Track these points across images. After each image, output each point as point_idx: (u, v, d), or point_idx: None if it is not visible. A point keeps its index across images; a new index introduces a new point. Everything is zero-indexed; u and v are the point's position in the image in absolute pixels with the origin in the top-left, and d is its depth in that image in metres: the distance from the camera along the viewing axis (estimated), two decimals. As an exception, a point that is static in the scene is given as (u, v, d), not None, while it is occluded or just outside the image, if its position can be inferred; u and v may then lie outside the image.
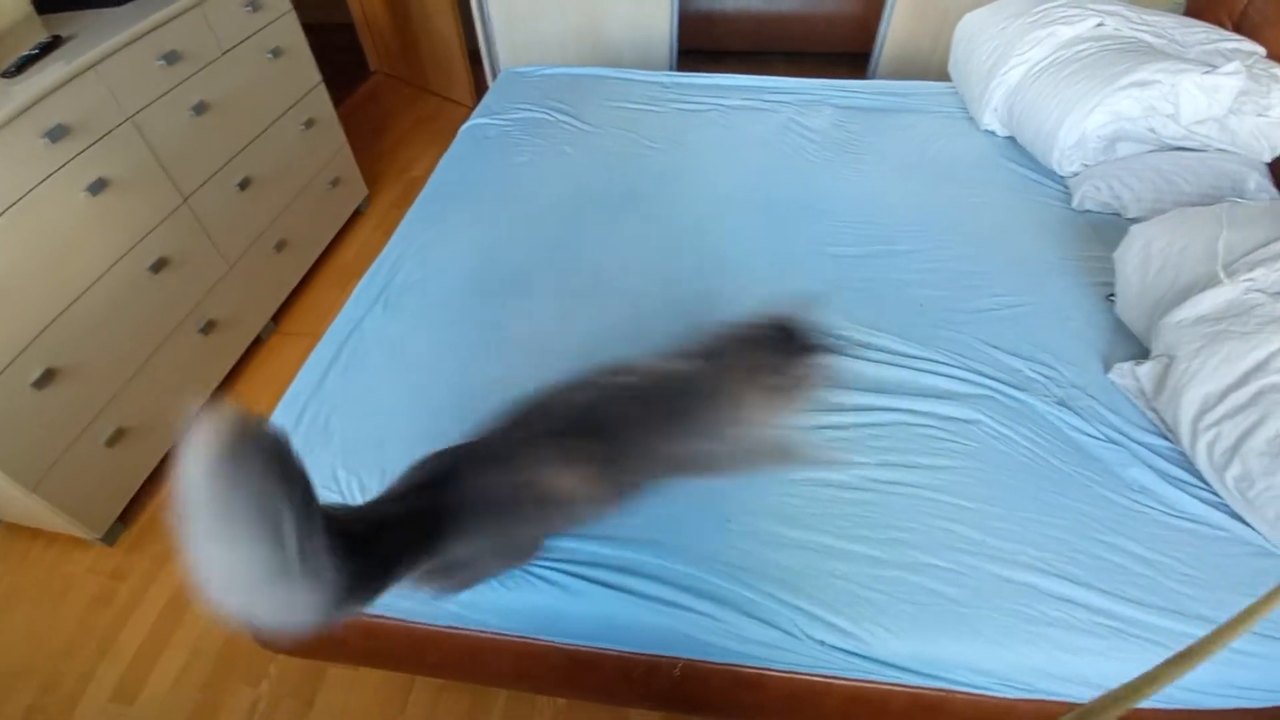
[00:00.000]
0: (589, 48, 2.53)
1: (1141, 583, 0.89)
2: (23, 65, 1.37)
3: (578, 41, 2.53)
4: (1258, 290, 0.98)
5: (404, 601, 0.97)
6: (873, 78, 2.49)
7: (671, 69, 2.54)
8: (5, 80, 1.34)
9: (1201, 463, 0.96)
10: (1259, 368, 0.91)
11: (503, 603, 0.92)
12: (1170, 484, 0.98)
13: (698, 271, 1.34)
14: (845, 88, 1.92)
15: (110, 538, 1.54)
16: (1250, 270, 0.99)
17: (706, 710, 1.09)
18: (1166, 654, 0.84)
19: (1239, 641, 0.83)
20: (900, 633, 0.86)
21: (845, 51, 3.04)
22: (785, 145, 1.69)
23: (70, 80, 1.37)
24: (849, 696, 0.96)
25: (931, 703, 0.94)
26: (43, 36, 1.46)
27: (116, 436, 1.50)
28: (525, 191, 1.58)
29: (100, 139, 1.45)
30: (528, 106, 1.87)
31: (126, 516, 1.58)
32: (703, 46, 3.13)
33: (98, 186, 1.44)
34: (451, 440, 0.99)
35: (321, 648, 1.13)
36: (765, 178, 1.59)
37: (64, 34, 1.48)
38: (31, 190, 1.31)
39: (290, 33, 2.00)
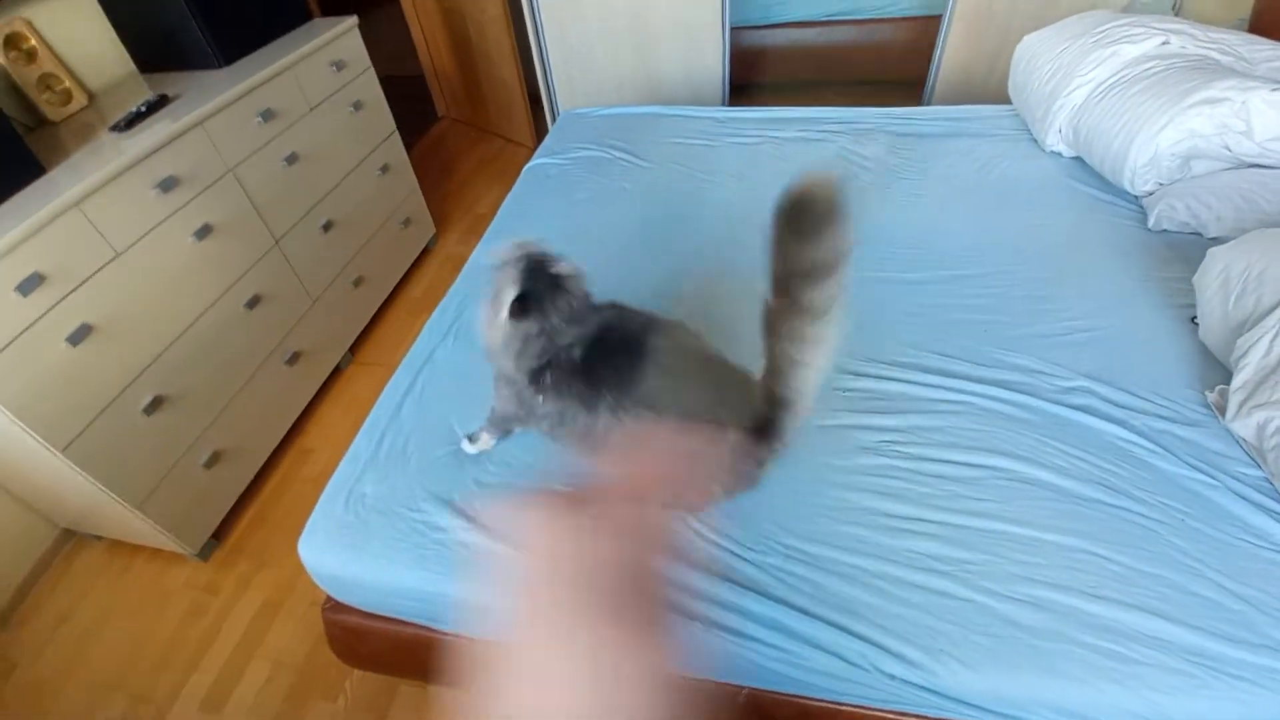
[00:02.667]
0: (644, 87, 2.63)
1: (1234, 618, 0.84)
2: (132, 121, 1.53)
3: (633, 82, 2.63)
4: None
5: (477, 618, 1.01)
6: (927, 104, 2.48)
7: (724, 104, 2.60)
8: (115, 134, 1.51)
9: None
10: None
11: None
12: (1264, 514, 0.92)
13: (757, 299, 1.36)
14: (901, 114, 1.92)
15: (205, 554, 1.65)
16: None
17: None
18: (1260, 692, 0.79)
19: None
20: (975, 666, 0.84)
21: (898, 79, 3.04)
22: (841, 175, 1.70)
23: (179, 136, 1.53)
24: (921, 733, 0.93)
25: (1010, 743, 0.90)
26: (149, 95, 1.64)
27: (214, 459, 1.63)
28: (587, 227, 1.64)
29: (206, 189, 1.60)
30: (587, 146, 1.95)
31: (220, 534, 1.70)
32: (755, 80, 3.19)
33: (203, 232, 1.59)
34: (526, 468, 1.04)
35: (395, 663, 1.18)
36: (821, 206, 1.60)
37: (169, 93, 1.66)
38: (145, 235, 1.46)
39: (369, 87, 2.17)
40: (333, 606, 1.13)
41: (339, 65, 2.01)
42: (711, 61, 2.52)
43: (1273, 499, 0.94)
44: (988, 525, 0.95)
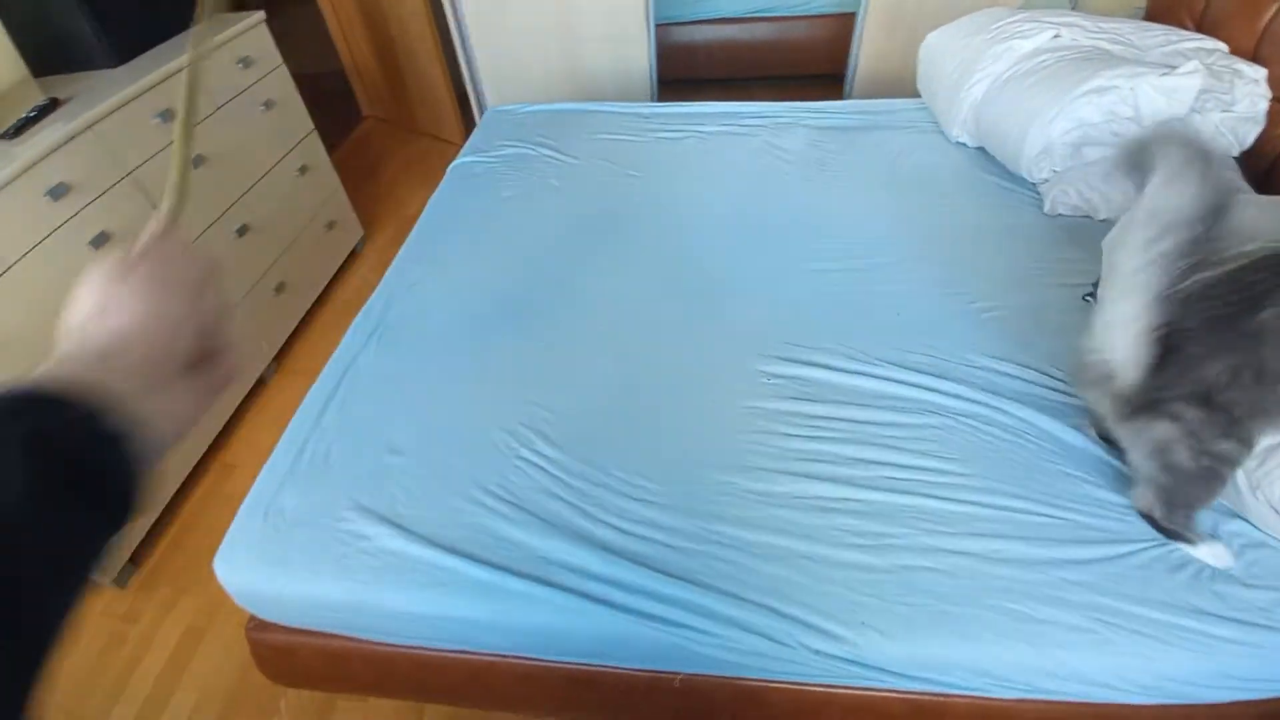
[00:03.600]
0: (572, 83, 2.62)
1: (1135, 576, 0.90)
2: (21, 127, 1.43)
3: (561, 78, 2.61)
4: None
5: (408, 626, 0.99)
6: (848, 98, 2.56)
7: (653, 100, 2.62)
8: (5, 142, 1.40)
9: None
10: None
11: (502, 622, 0.94)
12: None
13: (684, 292, 1.38)
14: (819, 109, 1.98)
15: (122, 580, 1.56)
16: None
17: (712, 726, 1.10)
18: (1165, 648, 0.85)
19: (1235, 632, 0.84)
20: (894, 636, 0.87)
21: (821, 74, 3.13)
22: (762, 167, 1.75)
23: (70, 140, 1.43)
24: (850, 706, 0.97)
25: (932, 708, 0.94)
26: (39, 99, 1.53)
27: (123, 482, 1.53)
28: (513, 225, 1.63)
29: (101, 195, 1.50)
30: (513, 143, 1.93)
31: (136, 558, 1.61)
32: (683, 76, 3.22)
33: (100, 240, 1.49)
34: (455, 471, 1.02)
35: (329, 678, 1.14)
36: (744, 200, 1.63)
37: (61, 96, 1.55)
38: (36, 246, 1.36)
39: (282, 85, 2.08)
40: (257, 625, 1.09)
41: (245, 62, 1.92)
42: (638, 57, 2.53)
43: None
44: (906, 501, 0.99)
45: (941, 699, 0.93)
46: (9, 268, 1.30)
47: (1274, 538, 0.91)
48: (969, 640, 0.87)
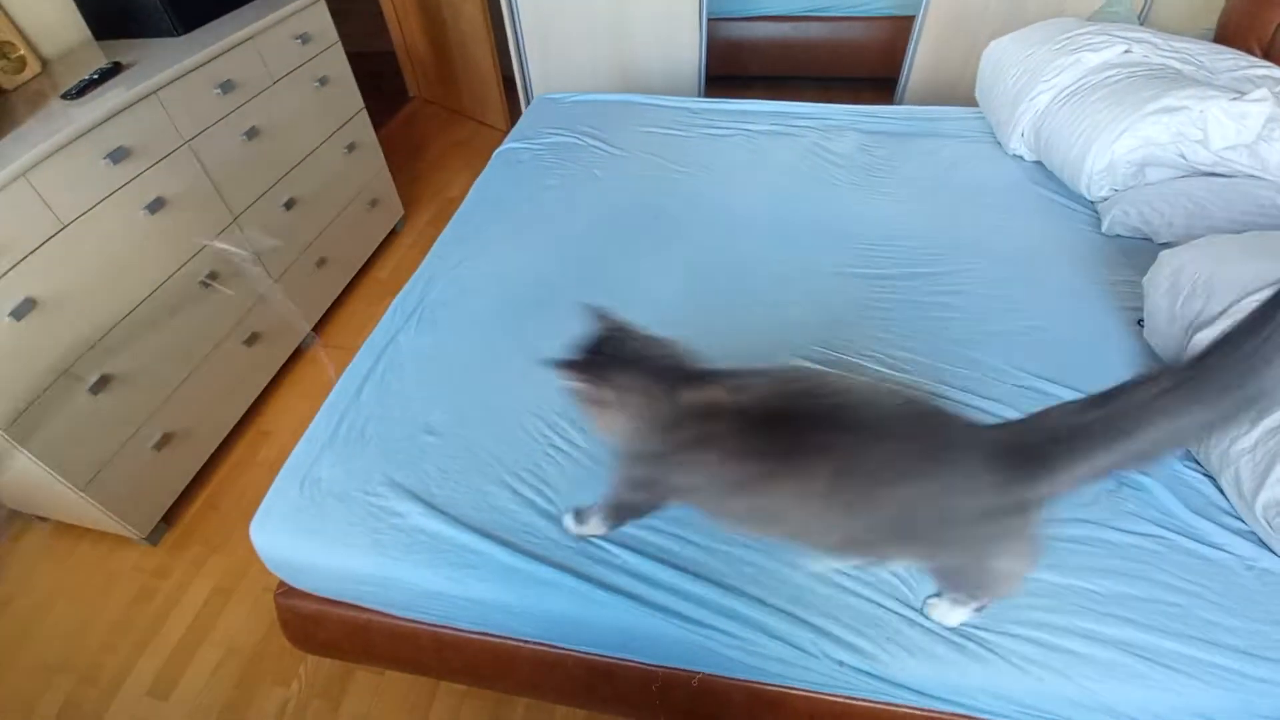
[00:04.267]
0: (619, 74, 2.61)
1: (1171, 613, 0.87)
2: (84, 89, 1.47)
3: (609, 68, 2.60)
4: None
5: (434, 604, 1.00)
6: (899, 103, 2.51)
7: (700, 95, 2.60)
8: (66, 102, 1.44)
9: (1229, 490, 0.94)
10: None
11: (526, 607, 0.95)
12: (1198, 514, 0.96)
13: (724, 292, 1.37)
14: (870, 113, 1.95)
15: (154, 538, 1.61)
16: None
17: (726, 728, 1.10)
18: (1198, 685, 0.83)
19: (1262, 670, 0.82)
20: (920, 655, 0.86)
21: (872, 77, 3.07)
22: (809, 169, 1.72)
23: (132, 105, 1.46)
24: (868, 718, 0.95)
25: (953, 728, 0.93)
26: (102, 62, 1.57)
27: (164, 441, 1.58)
28: (556, 213, 1.63)
29: (159, 161, 1.54)
30: (559, 131, 1.93)
31: (170, 518, 1.65)
32: (731, 73, 3.19)
33: (156, 205, 1.53)
34: (489, 455, 1.03)
35: (350, 649, 1.16)
36: (789, 201, 1.61)
37: (124, 61, 1.59)
38: (94, 207, 1.40)
39: (336, 62, 2.11)
40: (286, 591, 1.11)
41: (304, 39, 1.95)
42: (688, 52, 2.51)
43: (1211, 497, 0.98)
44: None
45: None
46: (64, 226, 1.34)
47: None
48: (995, 665, 0.85)
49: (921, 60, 2.41)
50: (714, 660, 0.93)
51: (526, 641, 1.02)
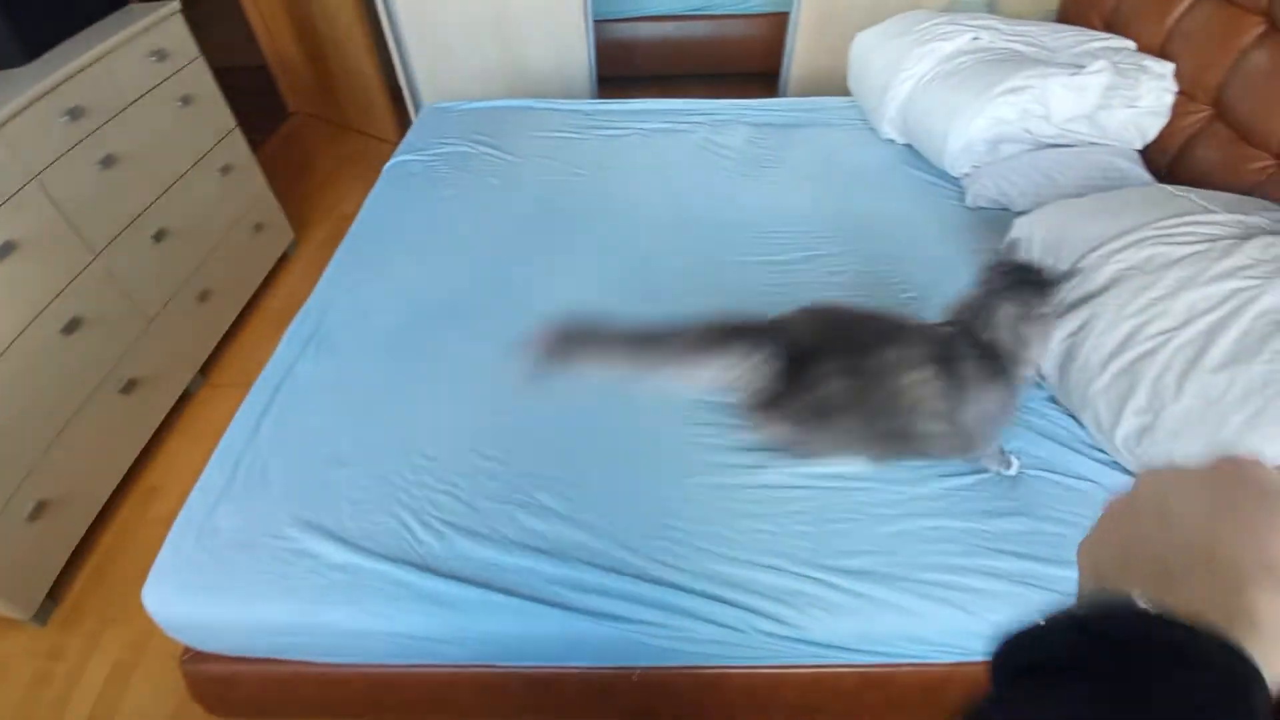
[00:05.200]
0: (511, 79, 2.58)
1: (1055, 542, 0.97)
2: (-87, 131, 1.30)
3: (500, 74, 2.57)
4: (1127, 267, 1.09)
5: (361, 644, 0.96)
6: (782, 95, 2.62)
7: (593, 96, 2.61)
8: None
9: (1091, 426, 1.06)
10: (1132, 336, 1.01)
11: (457, 632, 0.93)
12: (1069, 449, 1.07)
13: (630, 289, 1.39)
14: (756, 106, 2.02)
15: (41, 617, 1.45)
16: (1120, 252, 1.10)
17: (674, 715, 1.12)
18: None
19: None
20: (839, 614, 0.91)
21: (757, 72, 3.19)
22: (703, 164, 1.77)
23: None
24: (804, 683, 1.00)
25: (880, 678, 0.99)
26: (-67, 99, 1.40)
27: (38, 510, 1.42)
28: (453, 225, 1.59)
29: (4, 201, 1.39)
30: (452, 141, 1.89)
31: (56, 593, 1.49)
32: (622, 73, 3.22)
33: (4, 250, 1.38)
34: (403, 481, 1.00)
35: (274, 706, 1.10)
36: (686, 196, 1.66)
37: (-43, 96, 1.42)
38: (-74, 260, 1.24)
39: (199, 79, 1.96)
40: (192, 656, 1.03)
41: (160, 55, 1.80)
42: (577, 54, 2.51)
43: (1074, 434, 1.10)
44: (844, 484, 1.04)
45: (889, 668, 0.98)
46: None
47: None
48: (908, 612, 0.91)
49: (799, 54, 2.53)
50: (650, 652, 0.94)
51: (463, 666, 1.00)
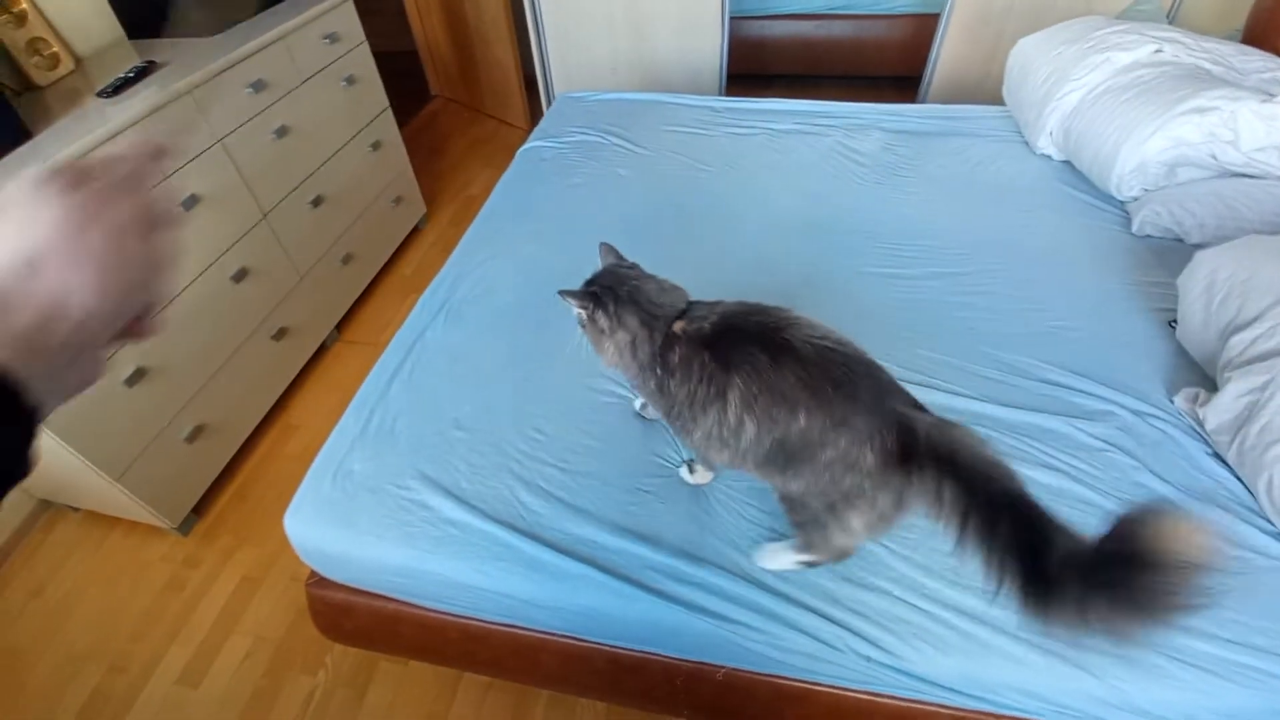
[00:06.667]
0: (641, 73, 2.61)
1: (1206, 615, 0.87)
2: (119, 87, 1.50)
3: (630, 67, 2.61)
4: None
5: (462, 596, 1.02)
6: (923, 102, 2.50)
7: (721, 93, 2.60)
8: (102, 100, 1.47)
9: (1262, 494, 0.93)
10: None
11: (554, 600, 0.96)
12: (1231, 515, 0.95)
13: (747, 290, 1.37)
14: (894, 111, 1.94)
15: (185, 528, 1.64)
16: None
17: (748, 723, 1.10)
18: (1227, 685, 0.82)
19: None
20: (946, 651, 0.86)
21: (896, 75, 3.05)
22: (834, 169, 1.72)
23: (166, 104, 1.49)
24: (893, 714, 0.96)
25: (978, 726, 0.93)
26: (136, 61, 1.60)
27: (195, 433, 1.61)
28: (581, 212, 1.64)
29: (193, 159, 1.57)
30: (583, 130, 1.95)
31: (200, 509, 1.69)
32: (752, 71, 3.19)
33: (190, 202, 1.56)
34: (516, 451, 1.04)
35: (378, 639, 1.18)
36: (814, 200, 1.61)
37: (157, 60, 1.63)
38: (133, 205, 1.43)
39: (363, 62, 2.14)
40: (317, 581, 1.13)
41: (332, 38, 1.98)
42: (710, 50, 2.51)
43: (1238, 498, 0.97)
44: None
45: (989, 718, 0.91)
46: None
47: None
48: (1020, 663, 0.85)
49: (946, 58, 2.40)
50: (739, 654, 0.93)
51: (552, 634, 1.04)
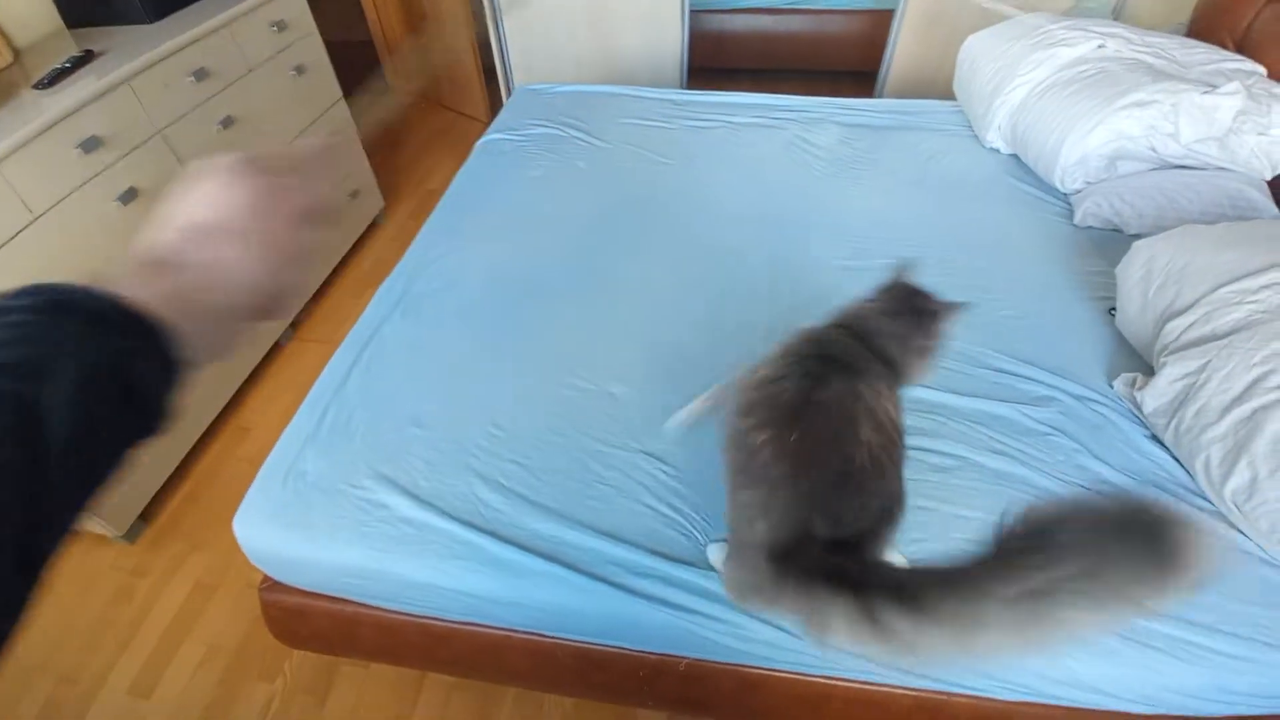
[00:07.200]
0: (602, 65, 2.60)
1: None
2: (55, 78, 1.43)
3: (591, 59, 2.59)
4: (1261, 310, 1.00)
5: (421, 595, 1.00)
6: (880, 96, 2.54)
7: (683, 87, 2.60)
8: (38, 91, 1.40)
9: (1199, 474, 0.98)
10: (1255, 384, 0.93)
11: (516, 597, 0.95)
12: (1170, 495, 1.00)
13: (707, 282, 1.38)
14: (851, 105, 1.96)
15: (132, 536, 1.58)
16: (1256, 294, 1.01)
17: (713, 712, 1.11)
18: (1171, 661, 0.86)
19: (1237, 647, 0.85)
20: (902, 634, 0.88)
21: (853, 70, 3.10)
22: (791, 161, 1.74)
23: (105, 94, 1.43)
24: (852, 699, 0.98)
25: (934, 705, 0.96)
26: (74, 50, 1.53)
27: (141, 437, 1.55)
28: (540, 205, 1.62)
29: (131, 151, 1.51)
30: (542, 123, 1.92)
31: (148, 515, 1.63)
32: (714, 65, 3.19)
33: (128, 196, 1.50)
34: (476, 448, 1.03)
35: (336, 642, 1.16)
36: (771, 192, 1.63)
37: (95, 49, 1.55)
38: (66, 198, 1.37)
39: (313, 51, 2.07)
40: (270, 586, 1.10)
41: (280, 26, 1.91)
42: (671, 43, 2.51)
43: (1177, 479, 1.02)
44: (921, 504, 1.00)
45: (944, 697, 0.94)
46: (37, 218, 1.31)
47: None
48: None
49: (901, 54, 2.44)
50: (701, 645, 0.94)
51: (515, 631, 1.03)
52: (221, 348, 0.36)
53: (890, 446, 0.70)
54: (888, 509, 0.69)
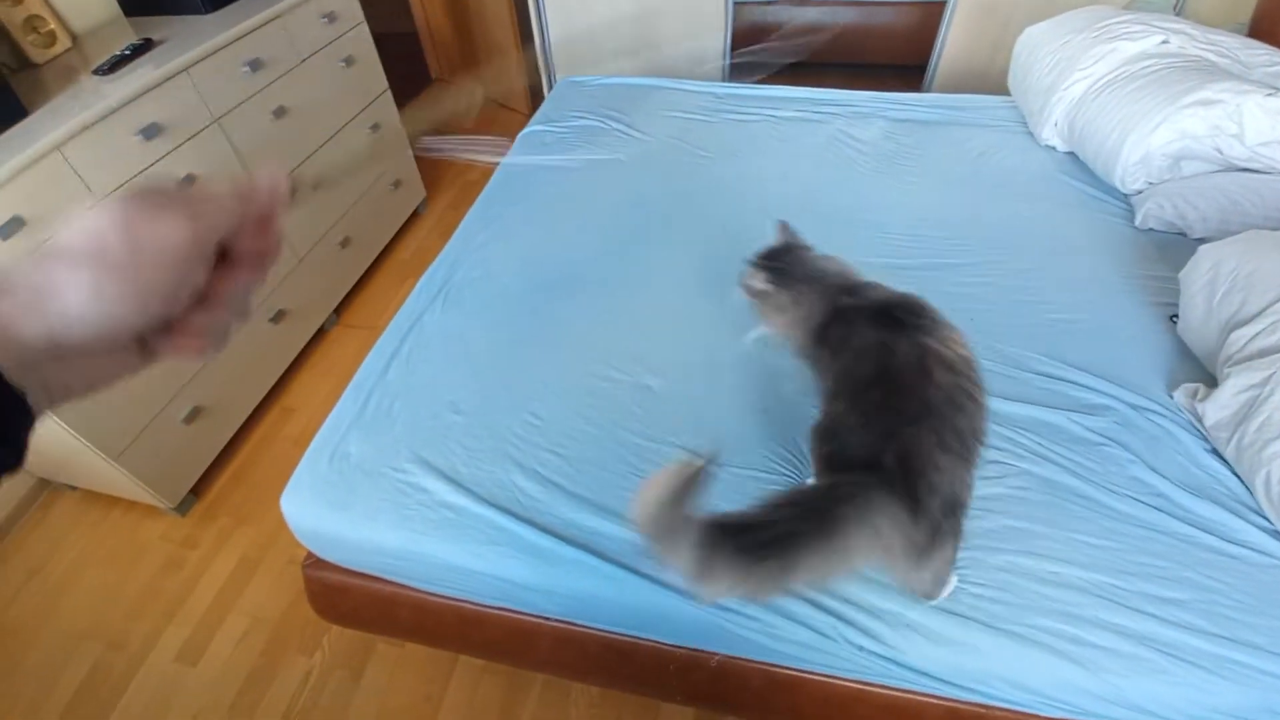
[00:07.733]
0: (643, 58, 2.58)
1: (1194, 607, 0.87)
2: (115, 64, 1.49)
3: (633, 51, 2.58)
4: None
5: (457, 579, 1.02)
6: (928, 90, 2.47)
7: (723, 79, 2.57)
8: (98, 77, 1.46)
9: (1259, 490, 0.93)
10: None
11: (550, 585, 0.96)
12: (1228, 511, 0.96)
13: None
14: (898, 100, 1.92)
15: (183, 508, 1.65)
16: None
17: (740, 710, 1.11)
18: (1220, 681, 0.82)
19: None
20: (939, 642, 0.86)
21: (900, 64, 3.02)
22: (834, 156, 1.71)
23: (164, 82, 1.48)
24: (884, 704, 0.96)
25: (969, 717, 0.93)
26: (132, 38, 1.59)
27: (193, 415, 1.61)
28: (581, 196, 1.63)
29: (189, 139, 1.56)
30: (583, 115, 1.93)
31: (198, 489, 1.69)
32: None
33: (186, 183, 1.55)
34: (513, 436, 1.04)
35: (374, 620, 1.19)
36: (814, 189, 1.60)
37: (154, 37, 1.61)
38: (126, 183, 1.42)
39: (362, 43, 2.11)
40: (313, 563, 1.13)
41: (330, 18, 1.95)
42: (713, 35, 2.48)
43: (1235, 495, 0.97)
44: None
45: (981, 709, 0.92)
46: (99, 203, 1.37)
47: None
48: (1016, 654, 0.85)
49: (951, 47, 2.37)
50: (733, 642, 0.94)
51: (547, 618, 1.04)
52: (78, 381, 0.32)
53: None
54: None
